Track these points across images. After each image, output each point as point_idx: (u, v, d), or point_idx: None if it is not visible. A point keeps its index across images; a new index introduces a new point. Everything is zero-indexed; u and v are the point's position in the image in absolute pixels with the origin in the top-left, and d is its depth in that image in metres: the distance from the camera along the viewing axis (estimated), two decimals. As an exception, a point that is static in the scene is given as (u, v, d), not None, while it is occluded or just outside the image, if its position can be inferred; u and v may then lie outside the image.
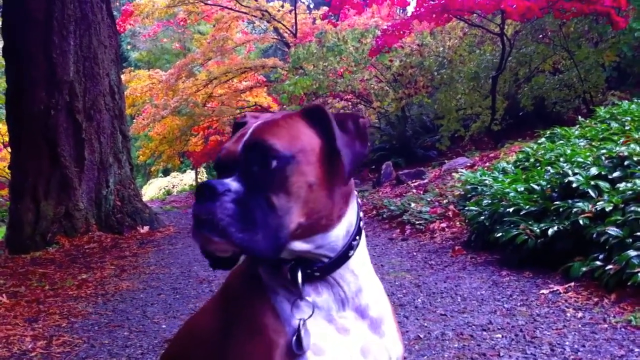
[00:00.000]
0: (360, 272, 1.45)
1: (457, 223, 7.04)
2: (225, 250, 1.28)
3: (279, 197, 1.26)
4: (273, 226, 1.25)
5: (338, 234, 1.38)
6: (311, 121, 1.38)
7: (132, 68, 25.48)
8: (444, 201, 8.11)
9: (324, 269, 1.39)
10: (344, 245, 1.39)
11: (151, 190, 27.22)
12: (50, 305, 5.27)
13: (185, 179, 27.48)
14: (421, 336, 3.57)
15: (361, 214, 1.46)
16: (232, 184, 1.27)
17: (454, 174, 9.63)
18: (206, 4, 20.53)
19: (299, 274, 1.37)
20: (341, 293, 1.41)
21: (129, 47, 34.67)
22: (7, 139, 17.83)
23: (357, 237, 1.43)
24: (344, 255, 1.40)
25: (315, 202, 1.30)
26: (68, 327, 4.56)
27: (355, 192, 1.47)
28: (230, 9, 20.53)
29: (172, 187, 26.77)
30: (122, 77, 12.81)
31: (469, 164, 10.59)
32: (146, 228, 9.71)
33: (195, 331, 1.64)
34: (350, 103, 18.88)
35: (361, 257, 1.46)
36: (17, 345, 4.09)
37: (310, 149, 1.32)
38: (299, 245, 1.34)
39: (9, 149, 12.34)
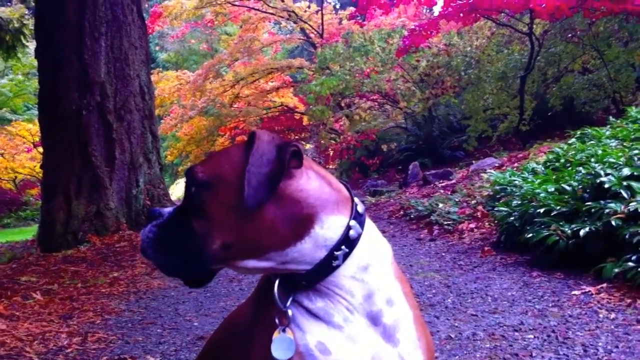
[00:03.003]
0: (367, 277, 1.37)
1: (486, 224, 7.00)
2: None
3: (198, 221, 1.31)
4: (192, 249, 1.32)
5: (301, 250, 1.32)
6: (249, 147, 1.32)
7: (160, 69, 25.78)
8: (472, 202, 8.07)
9: (306, 278, 1.35)
10: (321, 258, 1.33)
11: (178, 190, 27.47)
12: (84, 302, 5.36)
13: (212, 179, 27.66)
14: (452, 336, 3.57)
15: (352, 223, 1.36)
16: (168, 210, 1.40)
17: (482, 174, 9.58)
18: (233, 5, 20.70)
19: (276, 284, 1.38)
20: (342, 300, 1.35)
21: (157, 48, 35.04)
22: (37, 139, 18.23)
23: (344, 247, 1.34)
24: (325, 266, 1.34)
25: (243, 224, 1.29)
26: (102, 324, 4.64)
27: (343, 209, 1.37)
28: (257, 10, 20.66)
29: (199, 187, 26.93)
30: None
31: (496, 165, 10.53)
32: (175, 227, 9.78)
33: (233, 324, 1.69)
34: (376, 103, 18.88)
35: (363, 262, 1.37)
36: (53, 342, 4.17)
37: (232, 174, 1.30)
38: (254, 264, 1.34)
39: (40, 149, 12.55)
